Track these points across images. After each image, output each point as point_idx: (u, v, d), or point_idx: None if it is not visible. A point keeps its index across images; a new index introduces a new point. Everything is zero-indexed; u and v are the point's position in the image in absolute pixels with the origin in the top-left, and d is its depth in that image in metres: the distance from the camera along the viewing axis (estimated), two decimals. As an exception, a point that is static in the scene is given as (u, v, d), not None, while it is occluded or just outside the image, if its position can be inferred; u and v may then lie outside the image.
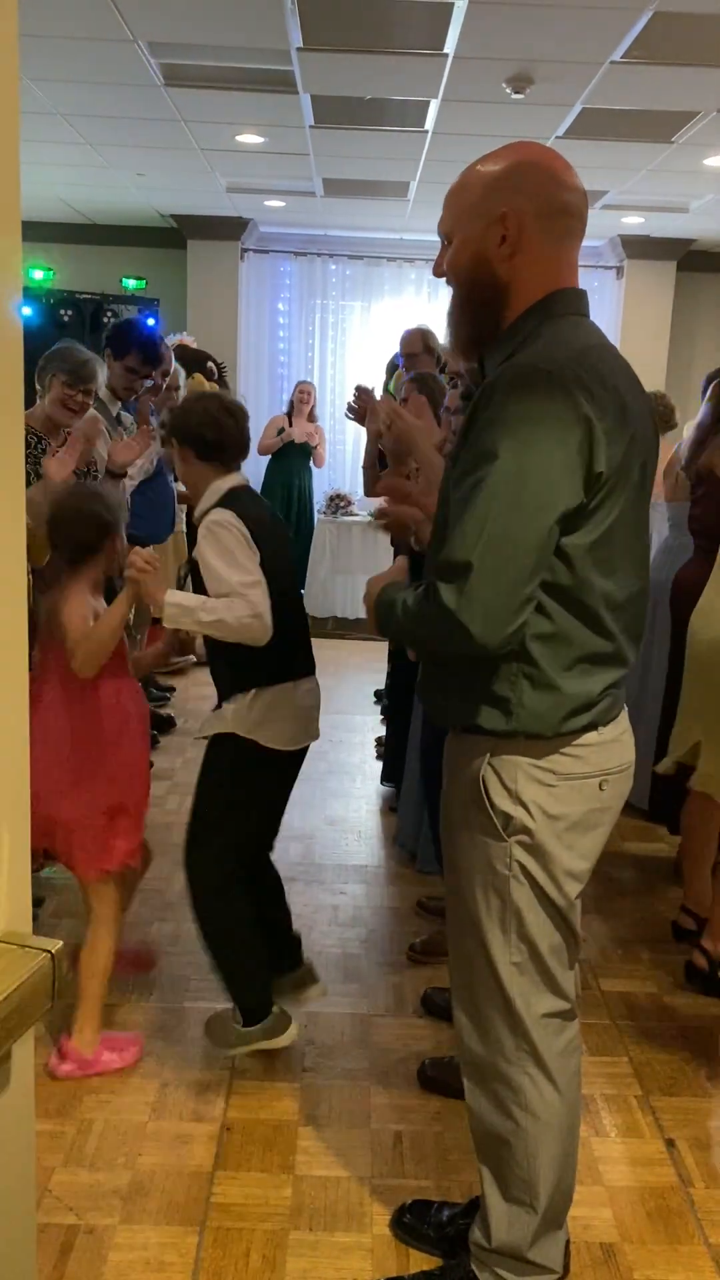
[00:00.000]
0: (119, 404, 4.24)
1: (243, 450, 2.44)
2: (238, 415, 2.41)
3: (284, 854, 3.74)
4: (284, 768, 2.51)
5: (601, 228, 7.83)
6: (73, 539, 2.48)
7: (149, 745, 2.71)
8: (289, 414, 7.73)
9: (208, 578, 2.32)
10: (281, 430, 7.58)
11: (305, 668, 2.51)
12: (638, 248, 8.17)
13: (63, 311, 7.39)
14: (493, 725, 1.63)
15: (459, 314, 1.70)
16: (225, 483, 2.41)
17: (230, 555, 2.30)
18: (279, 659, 2.40)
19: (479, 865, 1.69)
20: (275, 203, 7.57)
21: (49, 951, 0.94)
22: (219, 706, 2.44)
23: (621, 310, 8.39)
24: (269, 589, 2.30)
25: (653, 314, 8.36)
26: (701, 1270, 2.02)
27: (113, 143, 6.04)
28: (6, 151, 0.87)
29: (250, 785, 2.45)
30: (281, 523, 2.65)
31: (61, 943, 0.96)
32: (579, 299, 1.67)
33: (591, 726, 1.65)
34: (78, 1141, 2.28)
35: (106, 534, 2.51)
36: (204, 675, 5.90)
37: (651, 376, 7.82)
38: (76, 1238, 2.02)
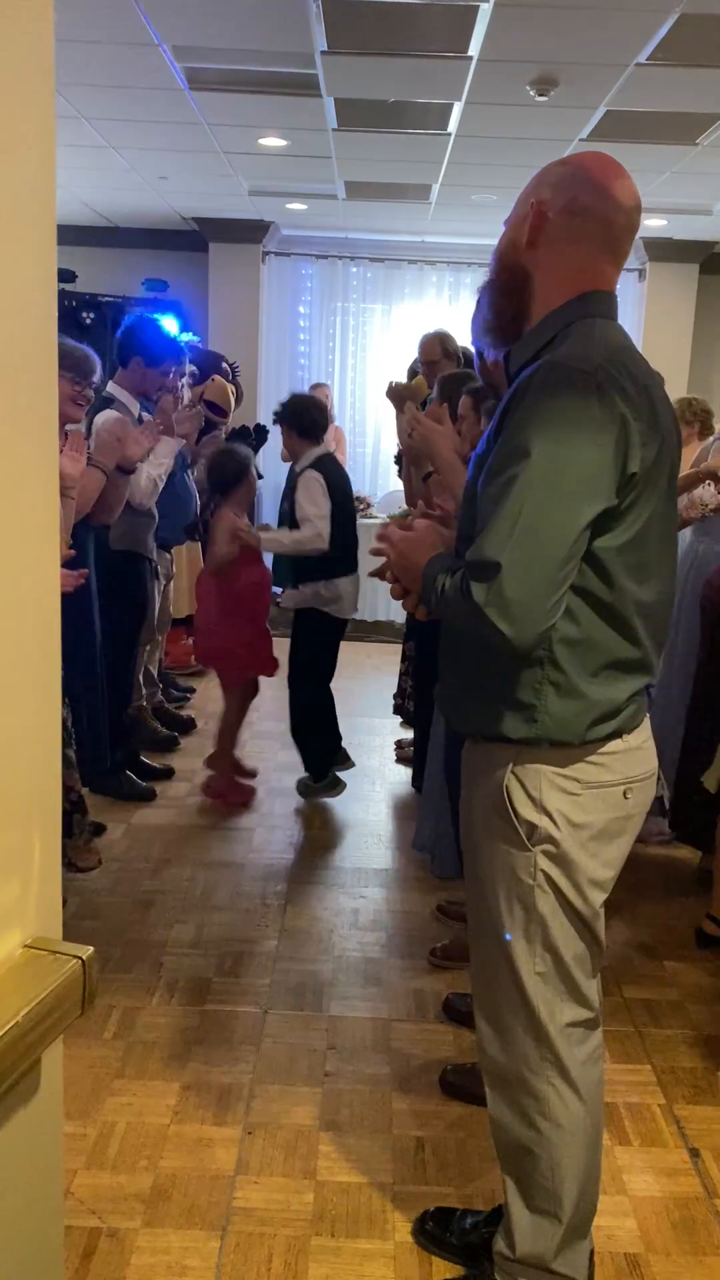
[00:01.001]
0: (137, 403, 4.25)
1: (323, 431, 4.08)
2: (323, 410, 4.13)
3: (306, 857, 3.75)
4: (339, 626, 4.18)
5: (624, 230, 7.80)
6: (221, 476, 4.14)
7: (267, 611, 4.27)
8: None
9: (298, 507, 3.97)
10: None
11: (353, 568, 4.10)
12: (660, 250, 8.13)
13: (84, 314, 7.42)
14: (517, 733, 1.61)
15: (485, 295, 1.73)
16: (315, 451, 4.04)
17: (312, 497, 3.94)
18: (341, 561, 4.04)
19: (502, 874, 1.67)
20: (297, 205, 7.58)
21: (79, 958, 0.94)
22: (295, 588, 4.09)
23: (644, 313, 8.36)
24: (337, 518, 3.96)
25: (675, 317, 8.32)
26: (726, 1282, 2.00)
27: (136, 146, 6.06)
28: (43, 162, 0.87)
29: (321, 637, 4.15)
30: (346, 477, 4.22)
31: (92, 949, 0.96)
32: (607, 302, 1.66)
33: (616, 734, 1.63)
34: (99, 1144, 2.28)
35: (243, 472, 4.15)
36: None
37: (674, 379, 7.78)
38: (99, 1240, 2.02)
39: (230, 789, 4.26)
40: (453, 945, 3.08)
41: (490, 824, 1.68)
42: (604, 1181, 2.21)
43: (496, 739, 1.64)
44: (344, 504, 4.05)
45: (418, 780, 4.29)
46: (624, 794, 1.66)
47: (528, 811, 1.63)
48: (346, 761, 4.41)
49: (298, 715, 4.21)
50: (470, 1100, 2.40)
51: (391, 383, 4.07)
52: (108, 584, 3.87)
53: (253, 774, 4.48)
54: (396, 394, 3.97)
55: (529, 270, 1.64)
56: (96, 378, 3.61)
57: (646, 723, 1.73)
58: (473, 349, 3.16)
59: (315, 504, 3.90)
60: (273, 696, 5.77)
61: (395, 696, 5.22)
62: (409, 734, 4.80)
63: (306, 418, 3.99)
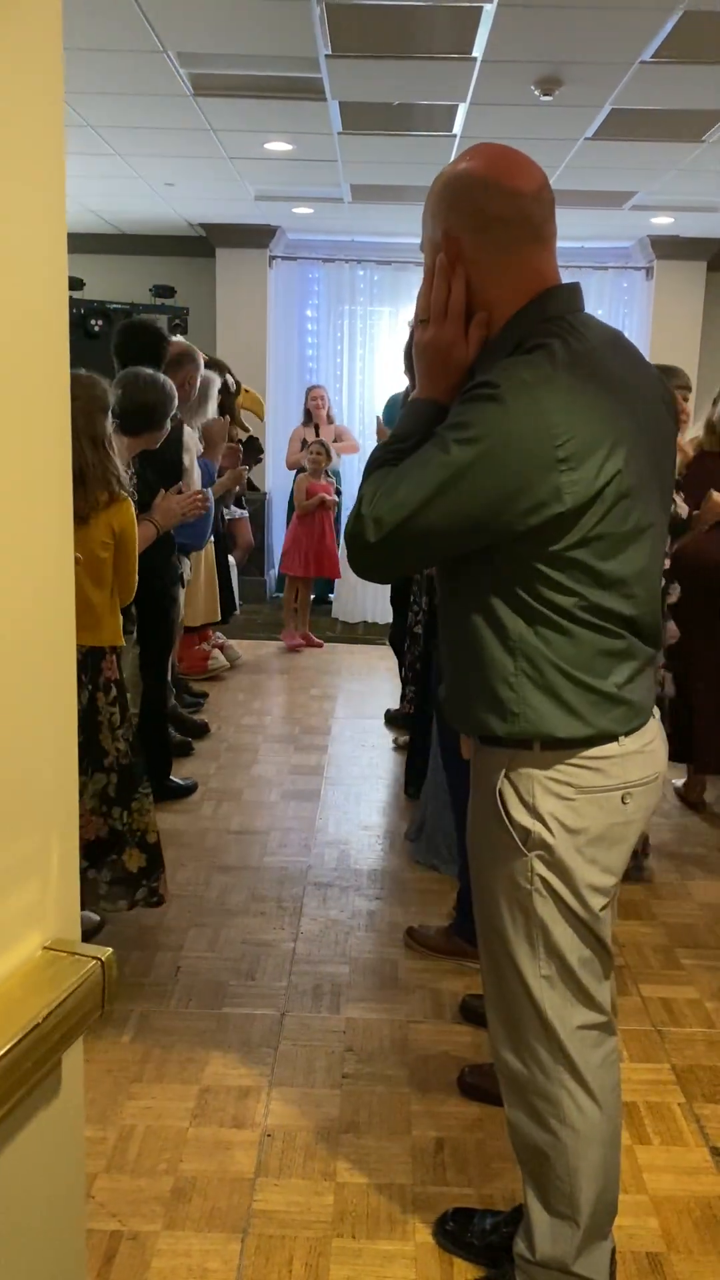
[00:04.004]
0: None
1: None
2: None
3: (319, 861, 3.75)
4: None
5: (630, 228, 7.78)
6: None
7: (335, 536, 6.78)
8: (312, 424, 7.71)
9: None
10: (305, 443, 7.60)
11: None
12: (667, 248, 8.11)
13: (93, 321, 7.44)
14: (499, 729, 1.61)
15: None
16: None
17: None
18: None
19: (502, 880, 1.67)
20: (303, 210, 7.59)
21: (99, 959, 0.94)
22: None
23: (652, 311, 8.34)
24: None
25: (683, 314, 8.30)
26: (749, 1281, 1.99)
27: (142, 153, 6.09)
28: (54, 171, 0.88)
29: None
30: None
31: (111, 950, 0.96)
32: (565, 297, 1.60)
33: (610, 736, 1.61)
34: (119, 1148, 2.29)
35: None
36: (236, 682, 5.99)
37: (682, 377, 7.76)
38: (120, 1244, 2.03)
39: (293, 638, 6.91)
40: (429, 930, 3.12)
41: (488, 828, 1.68)
42: (625, 1181, 2.21)
43: (489, 739, 1.64)
44: None
45: (411, 787, 4.26)
46: (622, 799, 1.63)
47: (521, 816, 1.62)
48: None
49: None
50: (488, 1100, 2.40)
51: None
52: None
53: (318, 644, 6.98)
54: None
55: (470, 297, 1.59)
56: None
57: (652, 725, 1.70)
58: None
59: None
60: (285, 701, 5.78)
61: (391, 715, 5.33)
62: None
63: None
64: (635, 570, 1.58)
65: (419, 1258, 2.02)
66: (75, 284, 7.58)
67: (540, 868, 1.62)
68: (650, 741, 1.68)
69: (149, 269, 8.42)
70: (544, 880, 1.63)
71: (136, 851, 2.99)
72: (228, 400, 5.62)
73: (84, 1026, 0.93)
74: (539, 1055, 1.70)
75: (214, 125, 5.47)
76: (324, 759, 4.84)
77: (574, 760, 1.60)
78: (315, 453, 7.00)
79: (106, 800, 2.97)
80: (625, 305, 8.63)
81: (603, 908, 1.68)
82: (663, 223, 7.54)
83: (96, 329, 7.39)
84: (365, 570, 1.61)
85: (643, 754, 1.66)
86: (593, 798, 1.61)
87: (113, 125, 5.51)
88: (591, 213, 7.14)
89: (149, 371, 3.71)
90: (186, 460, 4.09)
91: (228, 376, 6.03)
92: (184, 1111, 2.41)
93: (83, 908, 3.13)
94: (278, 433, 8.40)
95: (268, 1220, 2.10)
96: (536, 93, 4.69)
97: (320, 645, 6.94)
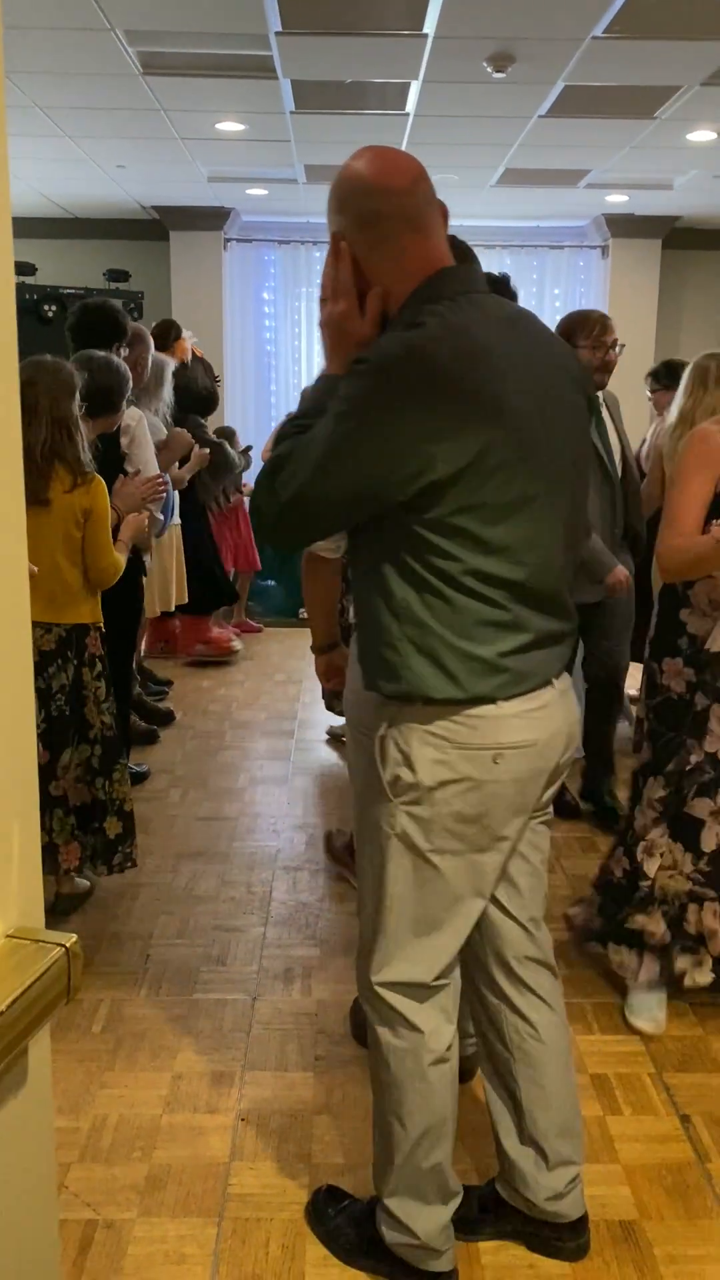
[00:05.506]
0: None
1: None
2: None
3: (290, 844, 3.75)
4: None
5: (585, 206, 7.79)
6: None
7: (252, 534, 6.37)
8: None
9: None
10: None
11: None
12: (622, 226, 8.13)
13: (46, 307, 7.34)
14: (386, 688, 1.67)
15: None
16: None
17: None
18: None
19: (369, 823, 1.77)
20: (257, 191, 7.53)
21: (63, 946, 0.93)
22: None
23: (608, 289, 8.36)
24: None
25: (639, 292, 8.33)
26: (721, 1244, 2.02)
27: (92, 135, 6.00)
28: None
29: None
30: None
31: (75, 937, 0.95)
32: (458, 277, 1.66)
33: (488, 699, 1.65)
34: (92, 1137, 2.28)
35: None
36: (201, 669, 5.93)
37: (639, 355, 7.79)
38: (95, 1232, 2.02)
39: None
40: (344, 837, 3.33)
41: (367, 776, 1.77)
42: (596, 1150, 2.24)
43: (379, 695, 1.71)
44: None
45: None
46: (493, 759, 1.67)
47: (394, 765, 1.69)
48: None
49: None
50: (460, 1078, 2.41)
51: None
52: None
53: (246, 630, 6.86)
54: None
55: (364, 283, 1.67)
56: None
57: (545, 694, 1.71)
58: None
59: None
60: (250, 687, 5.77)
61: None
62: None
63: None
64: (521, 538, 1.61)
65: (395, 1235, 2.03)
66: (28, 269, 7.46)
67: (402, 817, 1.70)
68: (537, 709, 1.69)
69: (102, 253, 8.32)
70: (405, 828, 1.70)
71: (114, 820, 3.16)
72: (195, 385, 5.58)
73: (50, 1014, 0.92)
74: (369, 996, 1.81)
75: (164, 105, 5.40)
76: (291, 744, 4.84)
77: (452, 717, 1.66)
78: (243, 450, 6.90)
79: (90, 770, 3.14)
80: (582, 284, 8.64)
81: (467, 875, 1.73)
82: (617, 200, 7.55)
83: (50, 314, 7.29)
84: (270, 540, 1.71)
85: (521, 719, 1.68)
86: (465, 754, 1.67)
87: (60, 106, 5.43)
88: (546, 191, 7.13)
89: (102, 354, 3.68)
90: (124, 442, 3.99)
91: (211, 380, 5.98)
92: (157, 1099, 2.40)
93: (72, 868, 3.30)
94: (233, 414, 8.35)
95: (243, 1204, 2.10)
96: (489, 69, 4.67)
97: (259, 630, 6.99)
